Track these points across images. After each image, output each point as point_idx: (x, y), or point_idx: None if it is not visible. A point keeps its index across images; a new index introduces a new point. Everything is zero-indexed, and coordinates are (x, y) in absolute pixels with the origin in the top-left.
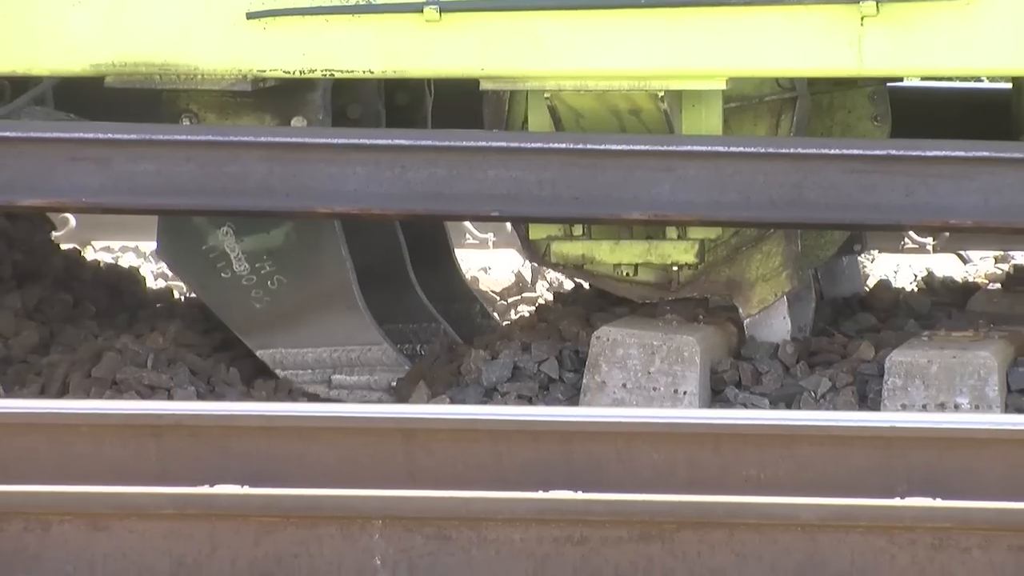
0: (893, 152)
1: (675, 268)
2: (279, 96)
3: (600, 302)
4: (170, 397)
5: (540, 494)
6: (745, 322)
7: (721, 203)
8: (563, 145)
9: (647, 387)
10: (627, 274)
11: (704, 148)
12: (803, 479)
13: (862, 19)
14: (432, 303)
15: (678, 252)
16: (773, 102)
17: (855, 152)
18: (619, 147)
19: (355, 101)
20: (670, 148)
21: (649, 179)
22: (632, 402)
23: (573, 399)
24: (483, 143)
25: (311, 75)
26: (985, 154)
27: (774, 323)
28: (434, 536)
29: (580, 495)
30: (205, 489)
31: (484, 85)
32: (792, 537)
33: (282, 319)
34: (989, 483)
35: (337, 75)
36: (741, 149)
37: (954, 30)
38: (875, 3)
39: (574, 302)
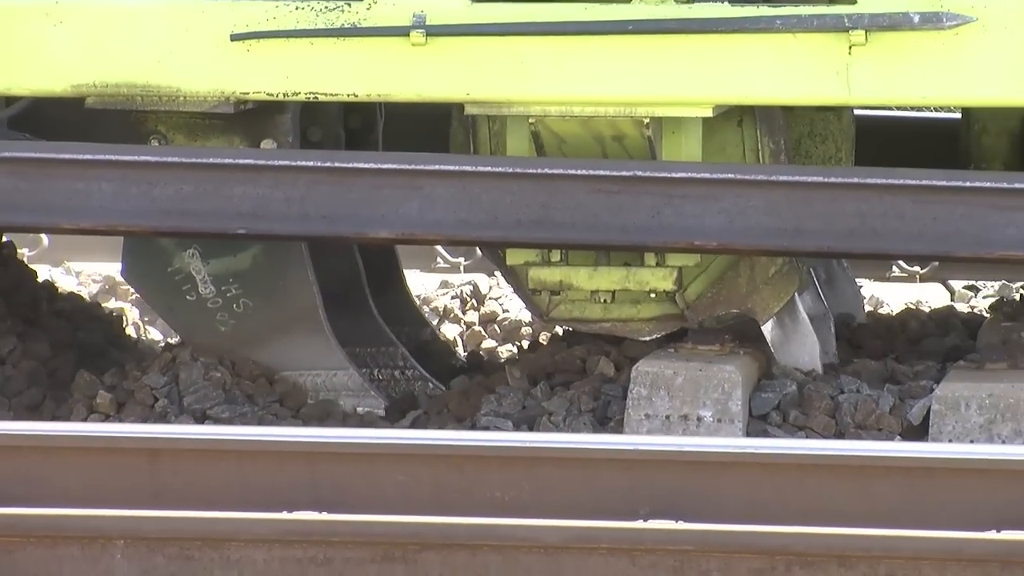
0: (639, 173)
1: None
2: (250, 118)
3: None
4: None
5: (284, 515)
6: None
7: (469, 222)
8: (310, 163)
9: None
10: (605, 300)
11: (452, 167)
12: (546, 501)
13: (850, 48)
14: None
15: (656, 279)
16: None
17: (602, 172)
18: (367, 165)
19: (316, 124)
20: (418, 167)
21: (397, 197)
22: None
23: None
24: (229, 160)
25: (295, 98)
26: (730, 176)
27: None
28: (176, 556)
29: (324, 516)
30: None
31: (469, 110)
32: (535, 559)
33: (247, 343)
34: (730, 506)
35: (321, 98)
36: (488, 168)
37: (943, 60)
38: (864, 32)
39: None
